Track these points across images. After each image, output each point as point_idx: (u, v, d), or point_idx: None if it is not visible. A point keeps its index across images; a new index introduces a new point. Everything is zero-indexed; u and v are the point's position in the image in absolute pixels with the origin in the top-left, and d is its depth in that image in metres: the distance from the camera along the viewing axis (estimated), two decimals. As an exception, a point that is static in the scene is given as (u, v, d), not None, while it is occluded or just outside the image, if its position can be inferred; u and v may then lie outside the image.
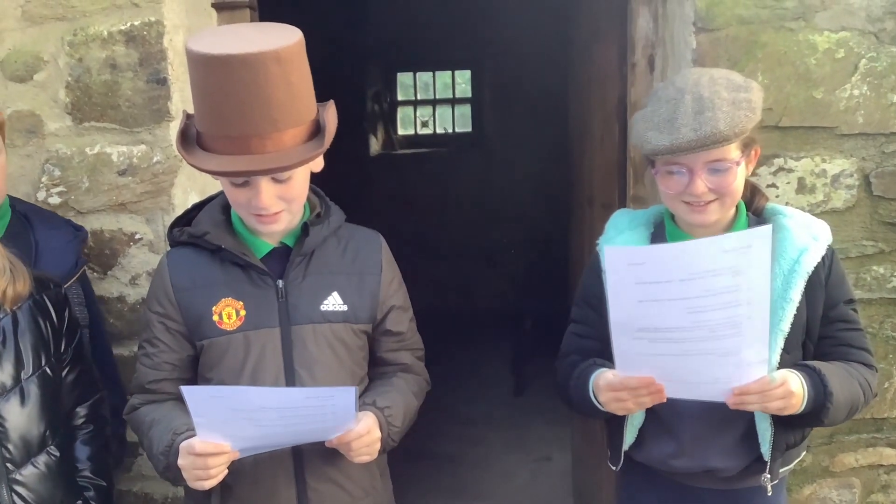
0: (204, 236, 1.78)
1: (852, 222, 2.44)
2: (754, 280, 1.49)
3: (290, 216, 1.75)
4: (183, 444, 1.63)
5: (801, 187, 2.41)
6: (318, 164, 1.77)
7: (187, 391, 1.55)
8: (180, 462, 1.64)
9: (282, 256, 1.80)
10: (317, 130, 1.67)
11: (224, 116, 1.57)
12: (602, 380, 1.73)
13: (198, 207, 1.89)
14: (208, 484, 1.63)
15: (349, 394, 1.55)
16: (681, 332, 1.55)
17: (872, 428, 2.58)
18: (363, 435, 1.66)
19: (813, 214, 1.84)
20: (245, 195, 1.67)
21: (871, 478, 2.62)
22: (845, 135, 2.39)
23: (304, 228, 1.80)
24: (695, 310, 1.52)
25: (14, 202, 2.26)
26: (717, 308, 1.51)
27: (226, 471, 1.64)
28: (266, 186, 1.65)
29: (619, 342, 1.62)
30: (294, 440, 1.70)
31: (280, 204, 1.69)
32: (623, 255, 1.59)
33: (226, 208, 1.83)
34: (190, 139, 1.69)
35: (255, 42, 1.55)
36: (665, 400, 1.66)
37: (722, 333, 1.53)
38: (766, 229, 1.48)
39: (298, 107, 1.61)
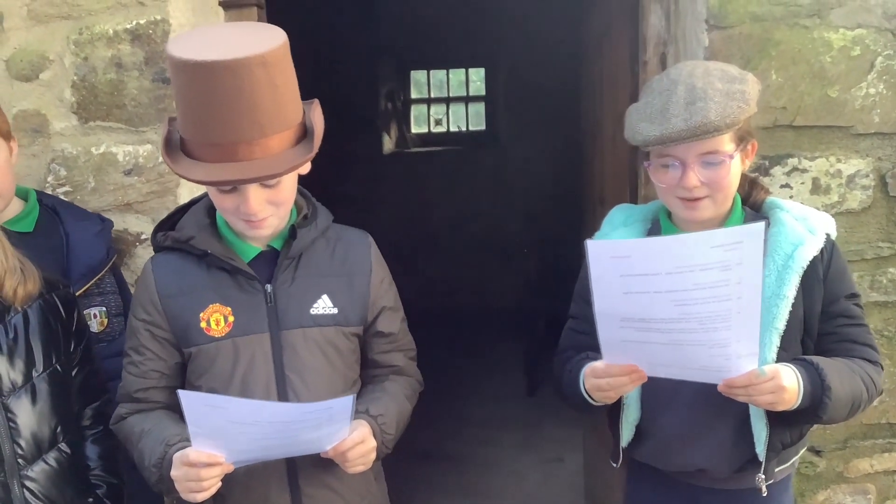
0: (189, 241, 1.74)
1: (868, 223, 2.40)
2: (745, 276, 1.45)
3: (278, 220, 1.72)
4: (177, 455, 1.60)
5: (816, 188, 2.37)
6: (304, 167, 1.71)
7: (185, 396, 1.52)
8: (173, 473, 1.61)
9: (270, 260, 1.77)
10: (304, 133, 1.64)
11: (209, 123, 1.53)
12: (588, 367, 1.72)
13: (182, 210, 1.85)
14: (201, 496, 1.60)
15: (346, 403, 1.53)
16: (668, 324, 1.52)
17: (888, 433, 2.54)
18: (358, 444, 1.63)
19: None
20: (233, 201, 1.64)
21: (886, 484, 2.59)
22: (861, 134, 2.36)
23: (292, 231, 1.76)
24: (682, 302, 1.49)
25: (41, 196, 2.27)
26: (706, 301, 1.48)
27: (219, 483, 1.62)
28: (255, 192, 1.61)
29: (604, 330, 1.59)
30: (289, 453, 1.68)
31: (269, 208, 1.66)
32: (606, 248, 1.56)
33: (211, 211, 1.79)
34: (174, 145, 1.64)
35: (238, 46, 1.50)
36: (646, 379, 1.63)
37: (711, 326, 1.50)
38: (758, 226, 1.45)
39: (285, 111, 1.57)
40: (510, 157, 7.73)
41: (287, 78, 1.57)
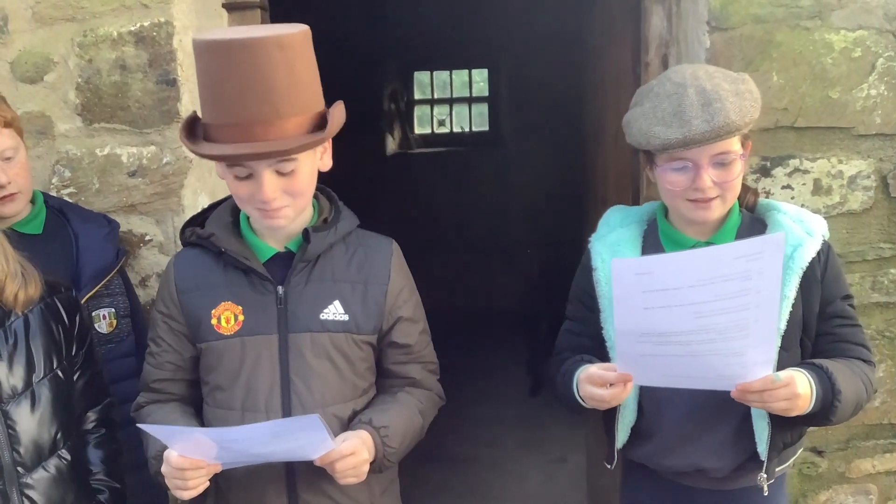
0: (209, 238, 1.76)
1: (869, 224, 2.40)
2: (764, 285, 1.47)
3: (295, 213, 1.71)
4: (165, 453, 1.62)
5: (817, 189, 2.37)
6: (325, 163, 1.73)
7: (148, 429, 1.57)
8: (163, 469, 1.62)
9: (287, 262, 1.76)
10: (323, 124, 1.64)
11: (226, 102, 1.56)
12: (584, 373, 1.73)
13: (213, 208, 1.87)
14: (187, 495, 1.61)
15: (313, 420, 1.49)
16: (687, 336, 1.53)
17: (890, 433, 2.54)
18: (346, 455, 1.60)
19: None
20: (248, 189, 1.64)
21: (888, 484, 2.58)
22: (862, 135, 2.36)
23: (306, 234, 1.75)
24: (702, 314, 1.50)
25: (46, 198, 2.28)
26: (726, 312, 1.49)
27: (207, 483, 1.63)
28: (269, 178, 1.61)
29: (622, 346, 1.61)
30: (276, 460, 1.66)
31: (285, 198, 1.65)
32: (630, 266, 1.58)
33: (235, 210, 1.80)
34: (196, 134, 1.68)
35: (258, 32, 1.57)
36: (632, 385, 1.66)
37: (729, 336, 1.51)
38: (778, 236, 1.48)
39: (301, 95, 1.59)
40: (513, 158, 7.73)
41: (305, 64, 1.60)
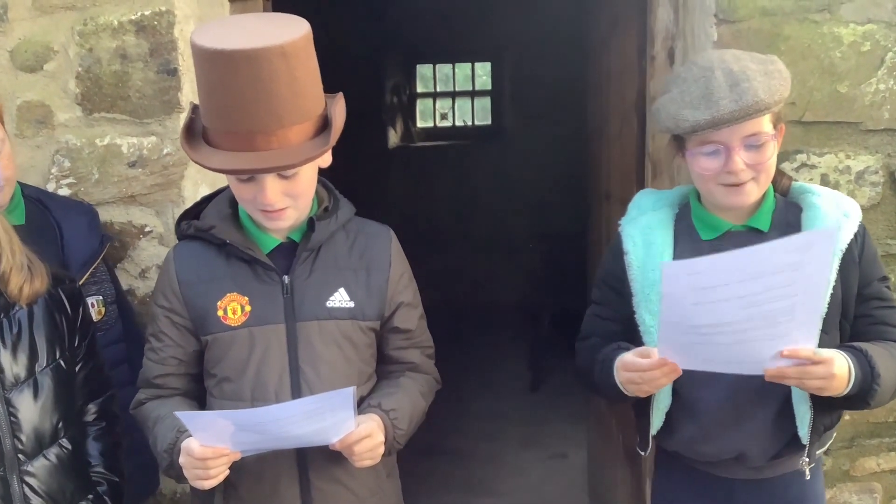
0: (210, 230, 1.76)
1: (877, 220, 2.38)
2: (814, 273, 1.48)
3: (297, 212, 1.72)
4: (183, 444, 1.62)
5: (824, 184, 2.35)
6: (326, 160, 1.74)
7: (184, 417, 1.55)
8: (181, 460, 1.63)
9: (289, 251, 1.78)
10: (324, 125, 1.65)
11: (228, 112, 1.55)
12: (619, 360, 1.72)
13: (207, 200, 1.87)
14: (208, 484, 1.62)
15: (347, 394, 1.52)
16: (734, 325, 1.53)
17: (895, 431, 2.52)
18: (364, 438, 1.63)
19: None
20: (250, 191, 1.65)
21: (893, 482, 2.57)
22: (870, 130, 2.34)
23: (311, 223, 1.77)
24: (751, 305, 1.50)
25: (23, 188, 2.25)
26: (774, 301, 1.49)
27: (227, 471, 1.64)
28: (272, 183, 1.62)
29: (666, 336, 1.59)
30: (296, 444, 1.68)
31: (286, 200, 1.66)
32: (681, 268, 1.56)
33: (233, 201, 1.81)
34: (196, 134, 1.67)
35: (259, 36, 1.53)
36: (680, 373, 1.63)
37: (776, 321, 1.51)
38: (831, 230, 1.50)
39: (304, 102, 1.59)
40: (516, 152, 7.72)
41: (307, 70, 1.58)
